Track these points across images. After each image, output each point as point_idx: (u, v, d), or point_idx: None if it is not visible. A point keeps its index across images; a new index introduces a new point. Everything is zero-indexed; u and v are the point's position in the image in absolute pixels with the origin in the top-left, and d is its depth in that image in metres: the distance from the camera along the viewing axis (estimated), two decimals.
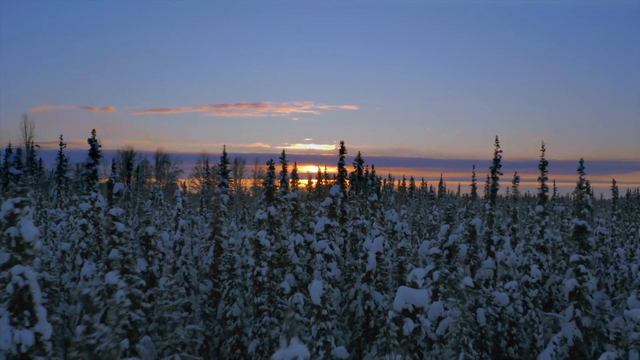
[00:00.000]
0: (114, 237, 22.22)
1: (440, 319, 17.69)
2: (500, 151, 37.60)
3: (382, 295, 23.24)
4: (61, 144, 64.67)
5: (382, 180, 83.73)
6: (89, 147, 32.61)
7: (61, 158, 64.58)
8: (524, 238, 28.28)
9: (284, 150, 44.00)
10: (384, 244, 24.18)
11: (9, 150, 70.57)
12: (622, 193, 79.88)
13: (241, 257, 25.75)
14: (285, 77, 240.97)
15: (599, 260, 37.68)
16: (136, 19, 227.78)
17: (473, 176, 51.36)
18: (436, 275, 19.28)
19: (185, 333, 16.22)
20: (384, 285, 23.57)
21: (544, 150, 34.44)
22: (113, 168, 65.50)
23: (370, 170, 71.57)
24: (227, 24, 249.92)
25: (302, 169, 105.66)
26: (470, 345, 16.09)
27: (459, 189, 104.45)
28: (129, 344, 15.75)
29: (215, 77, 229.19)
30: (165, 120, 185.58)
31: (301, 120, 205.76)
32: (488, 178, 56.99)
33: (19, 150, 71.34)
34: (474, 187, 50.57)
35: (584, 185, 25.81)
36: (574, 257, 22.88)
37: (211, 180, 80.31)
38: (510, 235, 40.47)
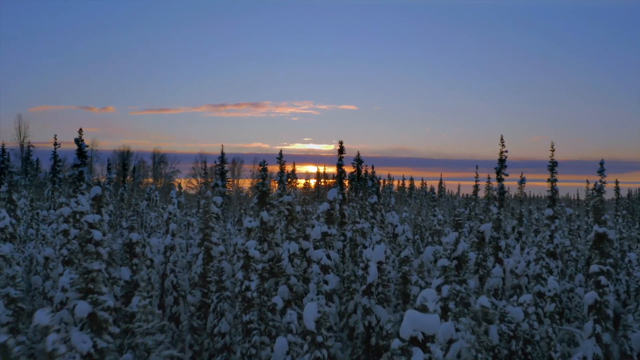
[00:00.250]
0: (91, 246, 19.89)
1: (450, 341, 15.33)
2: (506, 151, 35.21)
3: (384, 309, 20.89)
4: (55, 144, 62.02)
5: (381, 181, 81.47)
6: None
7: (55, 158, 62.04)
8: (536, 245, 25.85)
9: (281, 151, 41.63)
10: (385, 252, 21.83)
11: (2, 150, 68.22)
12: (622, 193, 77.55)
13: (232, 266, 23.40)
14: (285, 77, 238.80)
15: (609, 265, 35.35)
16: (136, 19, 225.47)
17: (476, 177, 49.07)
18: (445, 290, 16.93)
19: None
20: (386, 298, 21.22)
21: (553, 151, 32.00)
22: (108, 168, 63.07)
23: (370, 171, 69.36)
24: (226, 24, 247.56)
25: (301, 168, 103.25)
26: None
27: (459, 189, 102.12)
28: None
29: (215, 77, 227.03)
30: (164, 120, 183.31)
31: (300, 120, 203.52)
32: (488, 178, 54.49)
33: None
34: (476, 188, 48.28)
35: (603, 188, 23.40)
36: (594, 267, 20.50)
37: (209, 180, 77.98)
38: (516, 239, 38.20)
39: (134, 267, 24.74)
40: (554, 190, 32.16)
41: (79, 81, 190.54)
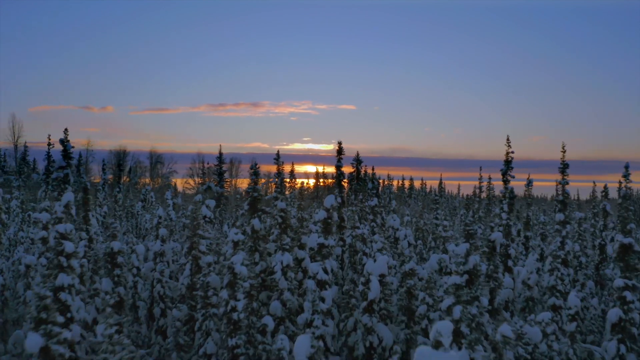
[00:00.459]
0: (62, 259, 17.67)
1: None
2: (512, 152, 32.99)
3: (387, 327, 18.67)
4: (49, 144, 60.11)
5: (380, 181, 79.39)
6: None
7: (49, 158, 59.97)
8: (551, 255, 23.59)
9: (278, 151, 39.48)
10: (388, 263, 19.61)
11: None
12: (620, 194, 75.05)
13: (222, 278, 21.12)
14: (284, 77, 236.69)
15: None
16: (135, 19, 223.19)
17: (479, 177, 46.94)
18: (457, 311, 14.69)
19: None
20: (388, 314, 18.98)
21: (564, 152, 29.79)
22: (103, 169, 60.86)
23: (369, 172, 67.10)
24: (225, 24, 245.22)
25: (300, 168, 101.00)
26: None
27: (459, 190, 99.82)
28: None
29: (214, 76, 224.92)
30: (163, 120, 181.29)
31: (299, 120, 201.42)
32: (489, 179, 52.19)
33: None
34: (480, 190, 46.12)
35: (629, 195, 21.13)
36: (619, 282, 18.27)
37: (206, 180, 75.69)
38: (522, 243, 35.98)
39: (116, 279, 22.51)
40: (565, 193, 29.93)
41: (79, 81, 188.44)
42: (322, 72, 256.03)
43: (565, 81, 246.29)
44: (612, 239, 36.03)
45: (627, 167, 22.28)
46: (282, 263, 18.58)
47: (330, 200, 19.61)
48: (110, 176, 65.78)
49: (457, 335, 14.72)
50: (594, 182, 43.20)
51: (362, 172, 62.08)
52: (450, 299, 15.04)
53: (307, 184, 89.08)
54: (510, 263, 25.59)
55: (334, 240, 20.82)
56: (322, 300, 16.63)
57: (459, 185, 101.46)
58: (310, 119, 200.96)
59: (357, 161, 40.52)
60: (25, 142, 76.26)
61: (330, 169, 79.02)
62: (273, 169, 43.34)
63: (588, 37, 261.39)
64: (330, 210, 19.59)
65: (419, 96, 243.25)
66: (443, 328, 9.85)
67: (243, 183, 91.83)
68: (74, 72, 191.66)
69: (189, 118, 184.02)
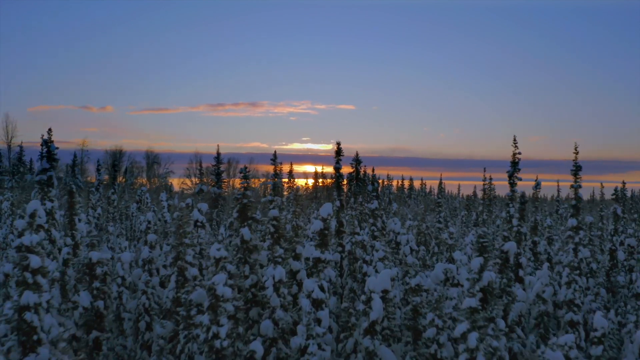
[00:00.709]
0: (27, 275, 15.53)
1: None
2: (519, 153, 30.86)
3: (391, 348, 16.49)
4: (42, 144, 57.83)
5: (380, 181, 77.20)
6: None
7: (42, 159, 57.82)
8: (569, 266, 21.41)
9: (275, 152, 37.43)
10: (392, 277, 17.43)
11: None
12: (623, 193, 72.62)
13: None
14: (283, 77, 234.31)
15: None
16: (134, 19, 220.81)
17: (484, 178, 44.76)
18: (473, 339, 12.53)
19: None
20: (392, 333, 16.81)
21: (577, 153, 27.62)
22: (98, 169, 58.52)
23: (369, 172, 64.83)
24: (224, 24, 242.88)
25: (300, 168, 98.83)
26: None
27: (459, 190, 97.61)
28: None
29: (213, 76, 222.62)
30: (163, 119, 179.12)
31: (298, 120, 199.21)
32: (490, 179, 49.92)
33: None
34: (484, 192, 43.96)
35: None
36: None
37: (204, 180, 73.44)
38: (530, 249, 33.80)
39: (95, 292, 20.34)
40: (577, 197, 27.76)
41: (78, 81, 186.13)
42: (321, 72, 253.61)
43: (565, 81, 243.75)
44: (622, 243, 33.91)
45: None
46: (273, 278, 16.39)
47: (327, 209, 17.41)
48: (105, 177, 63.55)
49: None
50: (601, 184, 40.98)
51: (362, 172, 59.67)
52: (465, 324, 12.87)
53: (306, 184, 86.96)
54: (521, 273, 23.48)
55: (331, 252, 18.55)
56: (318, 322, 14.49)
57: (459, 186, 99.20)
58: (309, 118, 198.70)
59: (357, 161, 38.35)
60: (22, 142, 73.99)
61: (330, 169, 76.82)
62: (271, 169, 41.31)
63: (588, 37, 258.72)
64: (328, 220, 17.38)
65: (418, 96, 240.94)
66: None
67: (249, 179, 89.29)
68: (73, 72, 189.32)
69: (188, 118, 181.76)
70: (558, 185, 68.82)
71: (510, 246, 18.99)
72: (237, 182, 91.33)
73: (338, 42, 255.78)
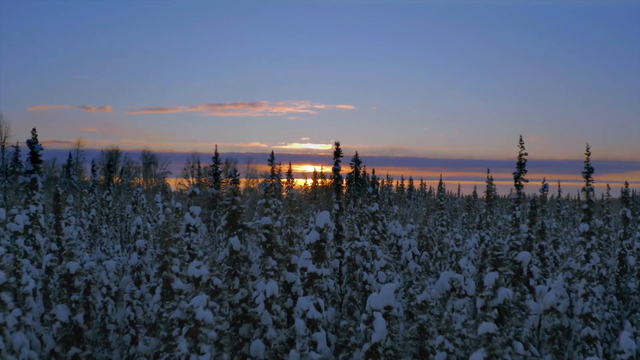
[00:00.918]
0: None
1: None
2: (525, 153, 29.06)
3: None
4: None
5: (380, 181, 75.44)
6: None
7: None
8: (585, 277, 19.61)
9: (272, 152, 35.67)
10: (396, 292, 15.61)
11: None
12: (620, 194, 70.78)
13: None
14: (282, 77, 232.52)
15: None
16: (134, 19, 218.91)
17: (488, 179, 42.80)
18: None
19: None
20: (395, 354, 15.00)
21: (588, 154, 25.83)
22: (93, 170, 56.74)
23: (369, 173, 63.03)
24: (224, 24, 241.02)
25: (299, 168, 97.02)
26: None
27: (459, 190, 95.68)
28: None
29: (212, 76, 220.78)
30: (162, 119, 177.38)
31: (298, 120, 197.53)
32: (491, 179, 47.90)
33: None
34: (488, 193, 42.06)
35: None
36: None
37: (202, 181, 71.66)
38: (537, 254, 32.00)
39: (73, 305, 18.53)
40: (589, 201, 25.99)
41: (77, 81, 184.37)
42: (320, 71, 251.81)
43: (565, 81, 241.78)
44: (630, 246, 32.12)
45: None
46: (265, 294, 14.59)
47: (323, 218, 15.55)
48: (101, 177, 61.64)
49: None
50: (607, 185, 39.03)
51: (362, 172, 57.66)
52: (481, 352, 11.08)
53: (305, 184, 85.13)
54: (532, 282, 21.71)
55: (329, 265, 16.68)
56: (314, 345, 12.72)
57: (459, 186, 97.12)
58: (308, 118, 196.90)
59: (356, 162, 36.61)
60: (17, 142, 72.13)
61: (329, 169, 75.00)
62: (266, 168, 39.58)
63: (588, 37, 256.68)
64: (325, 231, 15.56)
65: (418, 96, 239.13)
66: None
67: (239, 183, 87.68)
68: (72, 71, 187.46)
69: (188, 118, 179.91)
70: (559, 186, 67.04)
71: (524, 256, 17.22)
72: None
73: (337, 42, 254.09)
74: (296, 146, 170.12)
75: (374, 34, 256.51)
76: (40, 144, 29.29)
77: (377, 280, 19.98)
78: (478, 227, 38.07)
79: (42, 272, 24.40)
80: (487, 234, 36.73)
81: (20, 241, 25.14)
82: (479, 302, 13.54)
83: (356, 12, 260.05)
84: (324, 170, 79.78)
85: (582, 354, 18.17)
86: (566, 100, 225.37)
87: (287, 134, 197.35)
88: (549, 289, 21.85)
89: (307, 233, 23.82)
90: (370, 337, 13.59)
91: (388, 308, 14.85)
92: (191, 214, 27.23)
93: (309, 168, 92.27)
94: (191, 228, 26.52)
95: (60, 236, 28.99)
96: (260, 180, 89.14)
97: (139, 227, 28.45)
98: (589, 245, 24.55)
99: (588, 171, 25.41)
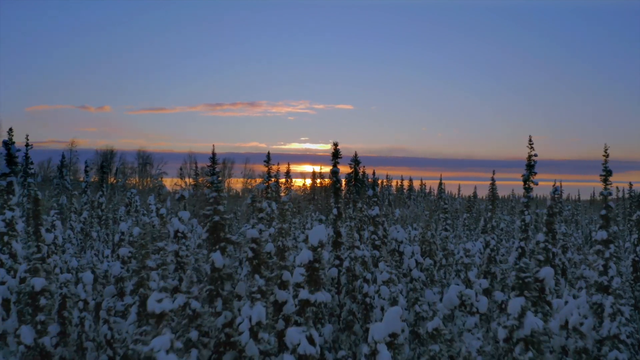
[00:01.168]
0: None
1: None
2: (535, 154, 26.90)
3: None
4: (27, 145, 53.82)
5: (379, 181, 73.28)
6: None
7: (27, 160, 53.77)
8: (613, 294, 17.35)
9: (268, 152, 33.38)
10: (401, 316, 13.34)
11: None
12: (621, 194, 68.79)
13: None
14: (281, 77, 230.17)
15: None
16: (133, 19, 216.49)
17: (492, 179, 40.51)
18: None
19: None
20: None
21: (606, 156, 23.47)
22: (86, 171, 54.37)
23: (369, 173, 60.71)
24: (223, 24, 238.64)
25: (298, 168, 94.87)
26: None
27: (459, 190, 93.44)
28: None
29: (211, 76, 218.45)
30: (161, 119, 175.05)
31: (297, 120, 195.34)
32: (492, 179, 45.55)
33: None
34: (493, 195, 39.79)
35: None
36: None
37: (200, 181, 69.32)
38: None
39: (39, 326, 16.26)
40: (608, 206, 23.61)
41: (76, 81, 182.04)
42: (319, 71, 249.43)
43: (565, 81, 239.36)
44: None
45: None
46: (250, 320, 12.33)
47: (318, 234, 13.17)
48: (95, 178, 59.37)
49: None
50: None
51: (361, 172, 55.25)
52: None
53: (304, 184, 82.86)
54: (549, 297, 19.43)
55: (323, 299, 14.34)
56: None
57: (459, 186, 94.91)
58: (307, 118, 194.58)
59: (355, 162, 34.38)
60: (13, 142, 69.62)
61: (328, 169, 72.81)
62: (263, 168, 37.24)
63: (588, 37, 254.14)
64: (319, 250, 13.24)
65: (417, 96, 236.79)
66: None
67: (237, 183, 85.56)
68: (71, 71, 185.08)
69: (187, 118, 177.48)
70: (561, 186, 64.99)
71: (547, 273, 14.98)
72: (233, 183, 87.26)
73: (336, 42, 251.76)
74: (295, 146, 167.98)
75: (373, 34, 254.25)
76: (17, 145, 27.10)
77: (380, 296, 17.72)
78: (483, 231, 35.86)
79: (17, 282, 22.19)
80: (493, 238, 34.51)
81: None
82: (501, 333, 11.26)
83: (356, 12, 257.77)
84: (322, 171, 77.62)
85: None
86: (566, 100, 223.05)
87: (286, 134, 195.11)
88: (566, 302, 19.59)
89: (304, 240, 21.51)
90: None
91: (393, 336, 12.54)
92: (180, 219, 24.91)
93: (308, 168, 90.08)
94: (180, 234, 24.23)
95: (40, 243, 26.78)
96: (258, 181, 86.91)
97: (123, 233, 26.21)
98: (607, 255, 22.25)
99: (606, 174, 22.98)
